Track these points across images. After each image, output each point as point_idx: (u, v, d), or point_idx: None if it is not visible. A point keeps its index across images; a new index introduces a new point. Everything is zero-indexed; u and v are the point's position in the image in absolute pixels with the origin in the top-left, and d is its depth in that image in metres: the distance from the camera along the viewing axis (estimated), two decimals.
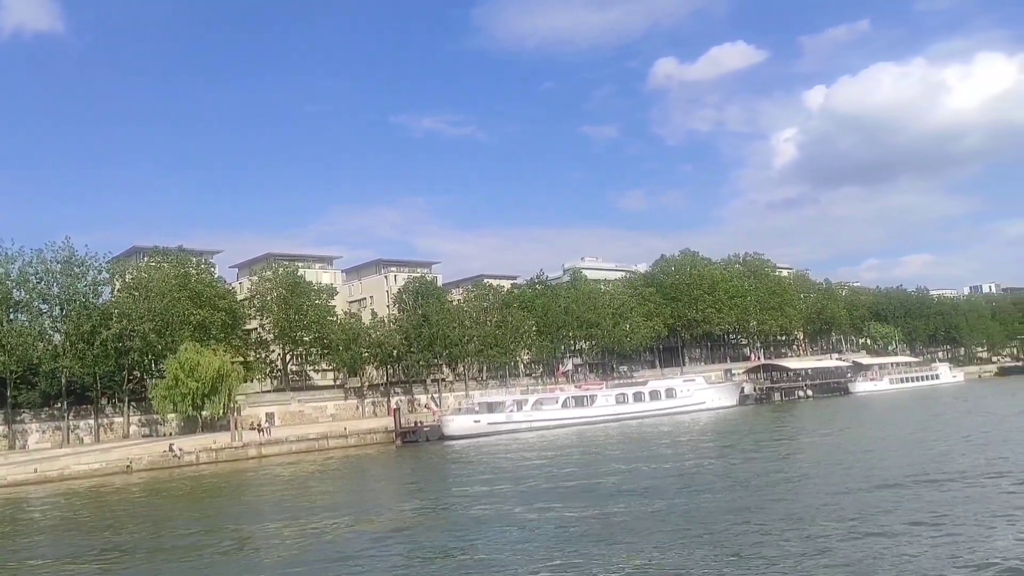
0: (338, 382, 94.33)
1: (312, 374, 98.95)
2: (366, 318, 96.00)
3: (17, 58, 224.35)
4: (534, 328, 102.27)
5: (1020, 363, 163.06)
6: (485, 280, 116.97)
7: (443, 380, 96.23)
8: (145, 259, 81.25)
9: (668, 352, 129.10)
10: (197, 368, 62.56)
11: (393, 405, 71.28)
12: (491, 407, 68.76)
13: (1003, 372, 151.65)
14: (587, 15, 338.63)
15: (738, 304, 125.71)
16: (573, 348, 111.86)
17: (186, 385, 62.04)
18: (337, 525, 27.46)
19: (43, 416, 66.90)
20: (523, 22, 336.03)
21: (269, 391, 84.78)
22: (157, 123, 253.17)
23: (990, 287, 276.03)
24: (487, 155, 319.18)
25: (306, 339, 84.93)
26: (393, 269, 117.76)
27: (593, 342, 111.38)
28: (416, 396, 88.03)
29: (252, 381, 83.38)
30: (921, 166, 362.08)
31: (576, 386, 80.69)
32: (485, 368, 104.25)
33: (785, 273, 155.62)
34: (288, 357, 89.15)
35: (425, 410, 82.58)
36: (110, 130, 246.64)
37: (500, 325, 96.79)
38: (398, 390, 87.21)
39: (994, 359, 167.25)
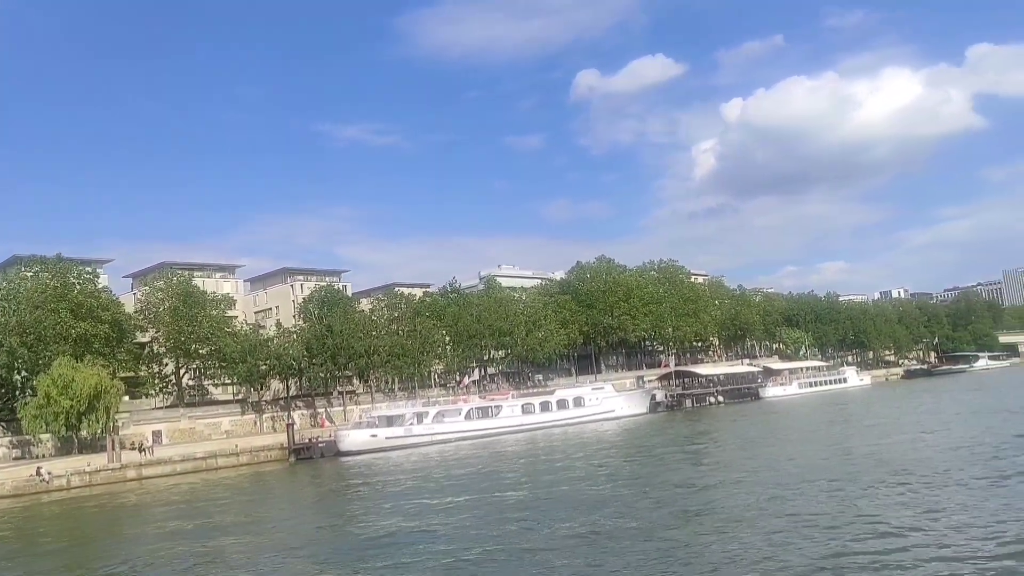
0: (239, 396, 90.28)
1: (212, 389, 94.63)
2: (273, 329, 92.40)
3: None
4: (446, 338, 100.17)
5: (924, 366, 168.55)
6: (396, 289, 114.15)
7: (352, 393, 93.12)
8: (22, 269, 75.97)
9: (584, 360, 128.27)
10: (71, 385, 58.21)
11: (291, 420, 67.78)
12: (390, 420, 66.17)
13: (908, 375, 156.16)
14: (509, 26, 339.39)
15: (653, 311, 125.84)
16: (487, 357, 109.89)
17: (59, 403, 57.58)
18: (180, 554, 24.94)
19: None
20: (446, 32, 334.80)
21: (162, 407, 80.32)
22: (66, 132, 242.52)
23: (899, 292, 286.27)
24: (411, 164, 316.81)
25: (202, 352, 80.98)
26: (300, 278, 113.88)
27: (507, 351, 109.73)
28: (319, 410, 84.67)
29: (145, 397, 79.03)
30: (834, 177, 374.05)
31: (481, 397, 78.61)
32: (396, 380, 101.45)
33: (700, 280, 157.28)
34: (183, 371, 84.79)
35: (329, 423, 79.41)
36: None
37: (410, 335, 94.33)
38: (300, 404, 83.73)
39: (900, 362, 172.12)
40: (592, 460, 46.00)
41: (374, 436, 63.24)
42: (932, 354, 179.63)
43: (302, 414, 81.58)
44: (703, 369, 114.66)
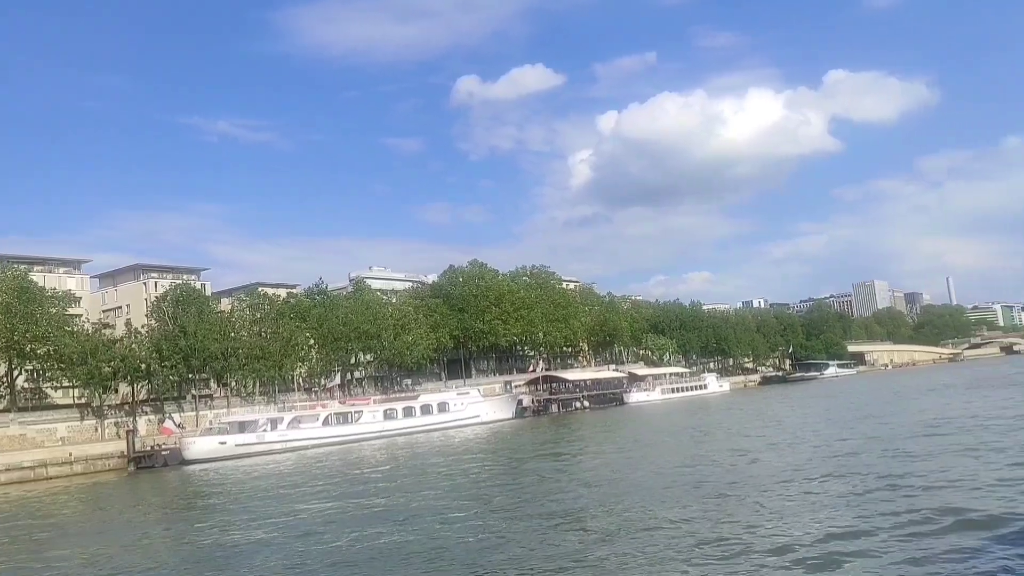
0: (82, 400, 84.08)
1: (52, 393, 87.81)
2: (125, 328, 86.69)
3: None
4: (310, 340, 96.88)
5: (780, 373, 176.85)
6: (260, 289, 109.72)
7: (208, 397, 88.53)
8: None
9: (455, 364, 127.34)
10: None
11: (132, 426, 63.51)
12: (241, 427, 63.13)
13: (765, 381, 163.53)
14: (390, 28, 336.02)
15: (524, 316, 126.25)
16: (353, 361, 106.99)
17: None
18: None
19: None
20: (326, 30, 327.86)
21: None
22: None
23: (759, 302, 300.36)
24: (287, 163, 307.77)
25: (39, 352, 74.83)
26: (154, 275, 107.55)
27: (375, 355, 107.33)
28: (171, 415, 79.80)
29: None
30: (702, 190, 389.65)
31: (341, 402, 76.22)
32: (257, 384, 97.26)
33: (571, 287, 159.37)
34: (17, 373, 78.13)
35: (179, 429, 74.97)
36: None
37: (272, 337, 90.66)
38: (147, 409, 78.73)
39: (758, 369, 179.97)
40: (443, 468, 44.99)
41: (223, 443, 60.11)
42: (787, 361, 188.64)
43: (150, 420, 76.74)
44: (570, 375, 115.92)
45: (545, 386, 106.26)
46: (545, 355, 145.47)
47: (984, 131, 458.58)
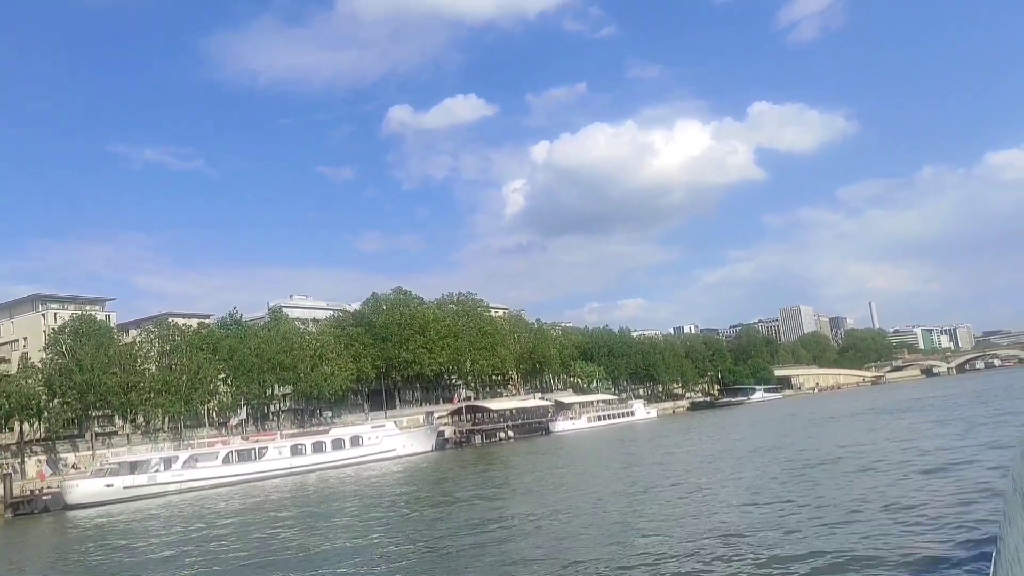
0: None
1: None
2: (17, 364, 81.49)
3: None
4: (221, 374, 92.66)
5: (708, 398, 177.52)
6: (171, 319, 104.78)
7: (107, 435, 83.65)
8: None
9: (381, 395, 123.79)
10: None
11: (8, 469, 58.88)
12: (132, 467, 59.05)
13: (694, 407, 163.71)
14: (322, 55, 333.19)
15: (450, 344, 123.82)
16: (269, 394, 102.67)
17: None
18: None
19: None
20: (256, 58, 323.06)
21: None
22: None
23: (690, 328, 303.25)
24: (217, 191, 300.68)
25: None
26: (54, 306, 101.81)
27: (292, 387, 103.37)
28: (63, 456, 74.98)
29: None
30: (633, 219, 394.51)
31: (244, 438, 72.36)
32: (166, 420, 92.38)
33: (500, 314, 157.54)
34: None
35: (73, 471, 70.33)
36: None
37: (176, 370, 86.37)
38: (38, 448, 73.79)
39: (687, 395, 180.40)
40: (343, 508, 42.29)
41: (109, 486, 55.97)
42: (716, 386, 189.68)
43: (39, 460, 71.82)
44: (494, 404, 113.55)
45: (468, 416, 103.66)
46: (472, 384, 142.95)
47: (901, 161, 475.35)
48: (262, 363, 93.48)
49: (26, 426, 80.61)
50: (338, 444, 72.87)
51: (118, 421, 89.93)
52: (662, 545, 21.63)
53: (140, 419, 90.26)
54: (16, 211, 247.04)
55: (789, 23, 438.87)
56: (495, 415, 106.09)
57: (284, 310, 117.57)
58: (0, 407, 68.18)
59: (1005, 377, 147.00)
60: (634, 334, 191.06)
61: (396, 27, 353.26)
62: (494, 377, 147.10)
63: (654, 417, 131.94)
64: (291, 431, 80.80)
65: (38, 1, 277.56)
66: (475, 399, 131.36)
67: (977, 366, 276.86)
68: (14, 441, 75.37)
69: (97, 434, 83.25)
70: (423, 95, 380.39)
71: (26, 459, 70.41)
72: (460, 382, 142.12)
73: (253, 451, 65.84)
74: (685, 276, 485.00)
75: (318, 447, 70.96)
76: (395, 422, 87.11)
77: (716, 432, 77.83)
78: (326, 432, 75.62)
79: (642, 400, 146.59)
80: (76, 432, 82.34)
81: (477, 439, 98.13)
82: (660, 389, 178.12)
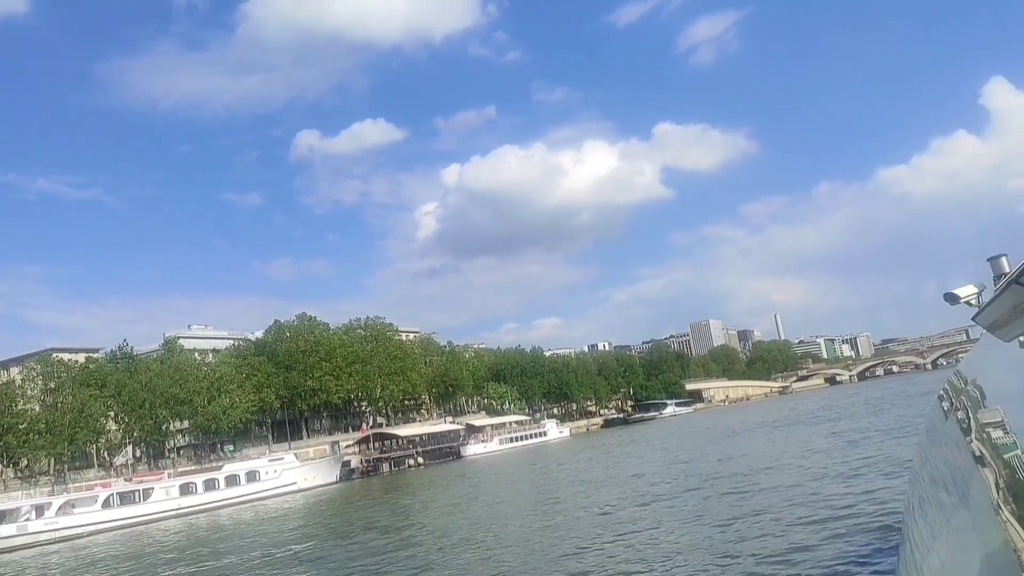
0: None
1: None
2: None
3: None
4: (110, 411, 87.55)
5: (622, 415, 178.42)
6: (55, 355, 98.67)
7: None
8: None
9: (288, 426, 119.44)
10: None
11: None
12: (1, 516, 54.43)
13: (607, 424, 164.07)
14: (225, 80, 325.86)
15: (358, 371, 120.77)
16: (165, 430, 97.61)
17: None
18: None
19: None
20: (154, 83, 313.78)
21: None
22: None
23: (604, 345, 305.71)
24: (116, 220, 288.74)
25: None
26: None
27: (189, 421, 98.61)
28: None
29: None
30: (544, 239, 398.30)
31: (127, 479, 67.95)
32: (52, 462, 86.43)
33: (411, 337, 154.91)
34: None
35: None
36: None
37: (60, 408, 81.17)
38: None
39: (601, 412, 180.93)
40: (228, 545, 39.49)
41: None
42: (629, 403, 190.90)
43: None
44: (402, 431, 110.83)
45: (376, 444, 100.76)
46: (383, 411, 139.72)
47: (798, 179, 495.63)
48: (154, 398, 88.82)
49: None
50: (232, 480, 69.11)
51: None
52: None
53: (24, 463, 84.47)
54: None
55: (689, 46, 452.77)
56: (403, 441, 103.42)
57: (180, 341, 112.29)
58: None
59: (903, 383, 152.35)
60: (548, 353, 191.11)
61: (300, 52, 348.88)
62: (406, 402, 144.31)
63: (567, 436, 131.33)
64: (183, 469, 76.37)
65: None
66: (387, 425, 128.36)
67: (877, 373, 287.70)
68: None
69: None
70: (331, 120, 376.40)
71: None
72: (370, 409, 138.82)
73: (137, 493, 61.59)
74: (598, 295, 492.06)
75: (210, 485, 67.06)
76: (296, 454, 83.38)
77: (620, 451, 77.36)
78: (219, 468, 71.70)
79: (555, 419, 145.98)
80: None
81: (385, 467, 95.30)
82: (574, 407, 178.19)
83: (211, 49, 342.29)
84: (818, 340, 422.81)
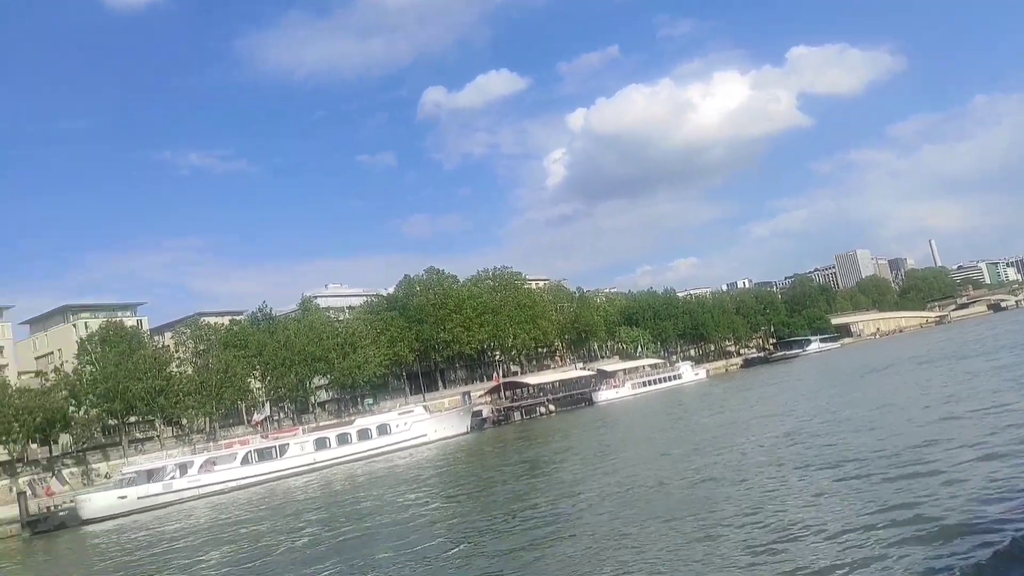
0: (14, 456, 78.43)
1: None
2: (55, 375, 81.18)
3: None
4: (255, 370, 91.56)
5: (763, 353, 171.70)
6: (203, 319, 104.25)
7: (140, 442, 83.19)
8: None
9: (424, 377, 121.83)
10: None
11: (23, 486, 58.08)
12: (149, 475, 57.70)
13: (747, 363, 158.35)
14: (351, 45, 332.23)
15: (489, 321, 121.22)
16: (308, 386, 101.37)
17: None
18: None
19: None
20: (288, 54, 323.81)
21: None
22: None
23: (744, 283, 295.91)
24: (261, 189, 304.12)
25: None
26: (85, 315, 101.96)
27: (328, 377, 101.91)
28: (95, 466, 74.37)
29: None
30: (675, 178, 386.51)
31: (263, 436, 70.54)
32: (208, 420, 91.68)
33: (540, 285, 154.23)
34: None
35: (105, 481, 69.58)
36: None
37: (209, 369, 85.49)
38: (69, 461, 73.35)
39: (740, 352, 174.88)
40: (357, 505, 39.76)
41: (123, 497, 54.66)
42: (771, 341, 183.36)
43: (72, 473, 71.41)
44: (532, 378, 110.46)
45: (507, 393, 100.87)
46: (517, 359, 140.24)
47: (952, 92, 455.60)
48: (292, 356, 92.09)
49: (64, 438, 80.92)
50: (364, 434, 70.68)
51: (160, 425, 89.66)
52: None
53: (184, 422, 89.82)
54: (74, 229, 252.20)
55: None
56: (534, 389, 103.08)
57: (316, 300, 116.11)
58: (24, 423, 67.50)
59: None
60: (682, 294, 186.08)
61: (421, 9, 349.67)
62: (539, 350, 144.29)
63: (703, 378, 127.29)
64: (317, 425, 78.78)
65: (72, 20, 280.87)
66: (521, 373, 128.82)
67: None
68: (15, 459, 74.69)
69: (132, 441, 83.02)
70: (455, 75, 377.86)
71: (56, 473, 69.93)
72: (503, 358, 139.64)
73: (274, 449, 64.06)
74: (736, 231, 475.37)
75: (343, 439, 68.89)
76: (425, 407, 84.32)
77: (756, 393, 73.54)
78: (351, 423, 73.46)
79: (690, 361, 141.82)
80: (115, 440, 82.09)
81: (516, 416, 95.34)
82: (712, 348, 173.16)
83: (336, 16, 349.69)
84: (979, 265, 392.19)
